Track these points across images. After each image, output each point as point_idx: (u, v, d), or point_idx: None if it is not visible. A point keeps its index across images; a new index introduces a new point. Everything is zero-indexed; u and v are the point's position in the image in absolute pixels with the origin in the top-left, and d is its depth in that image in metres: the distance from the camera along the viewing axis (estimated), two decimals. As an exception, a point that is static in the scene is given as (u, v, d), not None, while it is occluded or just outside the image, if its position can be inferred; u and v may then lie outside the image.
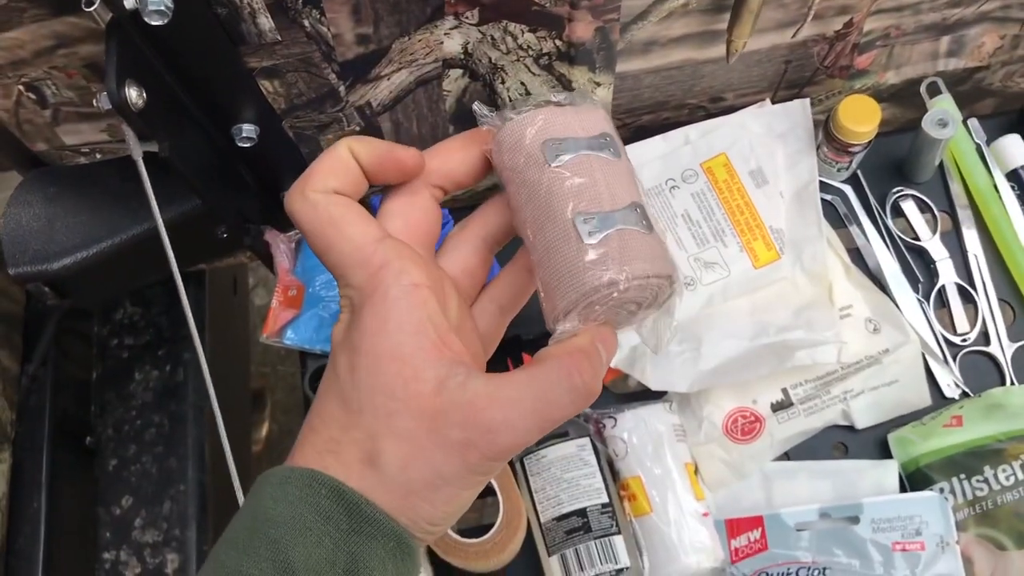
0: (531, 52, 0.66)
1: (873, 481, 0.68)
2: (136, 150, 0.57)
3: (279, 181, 0.74)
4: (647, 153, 0.74)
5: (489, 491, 0.63)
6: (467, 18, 0.62)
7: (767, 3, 0.64)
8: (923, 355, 0.70)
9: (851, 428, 0.69)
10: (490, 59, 0.67)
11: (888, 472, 0.68)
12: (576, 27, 0.64)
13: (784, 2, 0.65)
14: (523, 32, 0.64)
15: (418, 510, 0.35)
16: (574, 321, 0.35)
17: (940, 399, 0.70)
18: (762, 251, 0.70)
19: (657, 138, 0.74)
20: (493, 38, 0.65)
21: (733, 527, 0.67)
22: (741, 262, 0.69)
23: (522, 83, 0.70)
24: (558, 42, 0.66)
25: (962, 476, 0.66)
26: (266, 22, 0.57)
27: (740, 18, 0.61)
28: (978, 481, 0.66)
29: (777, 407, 0.68)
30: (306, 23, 0.58)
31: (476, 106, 0.38)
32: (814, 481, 0.68)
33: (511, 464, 0.68)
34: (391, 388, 0.34)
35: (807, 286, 0.69)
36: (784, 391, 0.68)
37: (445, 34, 0.63)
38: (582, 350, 0.35)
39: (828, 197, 0.75)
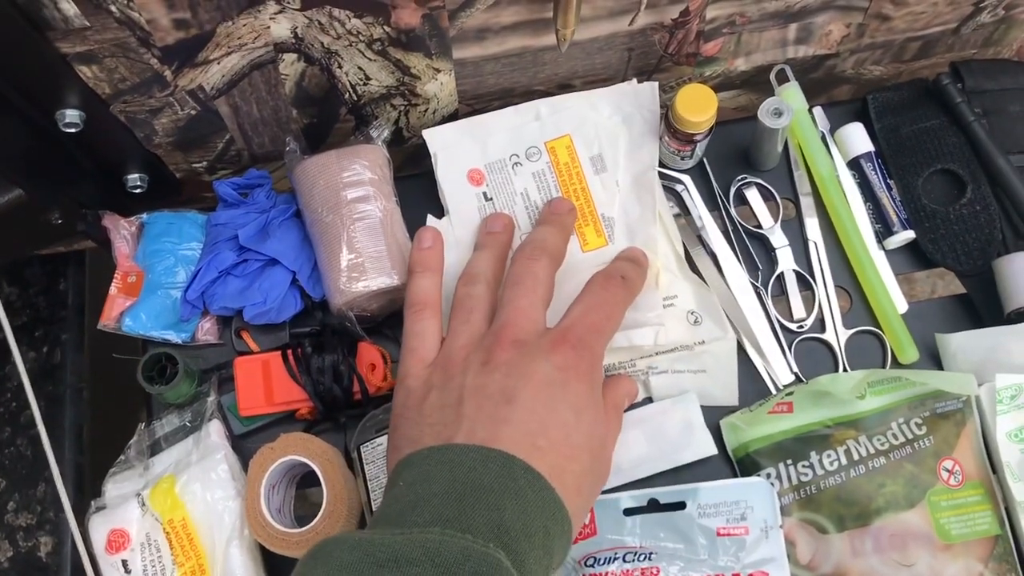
0: (362, 38, 0.66)
1: (679, 419, 0.68)
2: (-67, 137, 0.56)
3: (118, 165, 0.73)
4: (498, 124, 0.73)
5: (317, 482, 0.64)
6: (289, 3, 0.61)
7: (593, -8, 0.64)
8: (747, 353, 0.71)
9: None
10: (322, 44, 0.66)
11: (690, 406, 0.68)
12: (401, 14, 0.63)
13: (613, -10, 0.65)
14: (349, 18, 0.64)
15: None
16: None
17: (762, 391, 0.71)
18: (592, 236, 0.70)
19: (509, 109, 0.73)
20: (320, 23, 0.64)
21: (563, 513, 0.68)
22: (570, 244, 0.70)
23: (360, 68, 0.69)
24: (387, 28, 0.65)
25: (789, 461, 0.67)
26: (70, 8, 0.56)
27: (560, 8, 0.61)
28: (804, 466, 0.67)
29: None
30: (113, 8, 0.57)
31: None
32: (626, 433, 0.67)
33: (347, 453, 0.68)
34: None
35: None
36: None
37: (270, 18, 0.63)
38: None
39: (673, 186, 0.75)
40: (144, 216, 0.73)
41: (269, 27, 0.63)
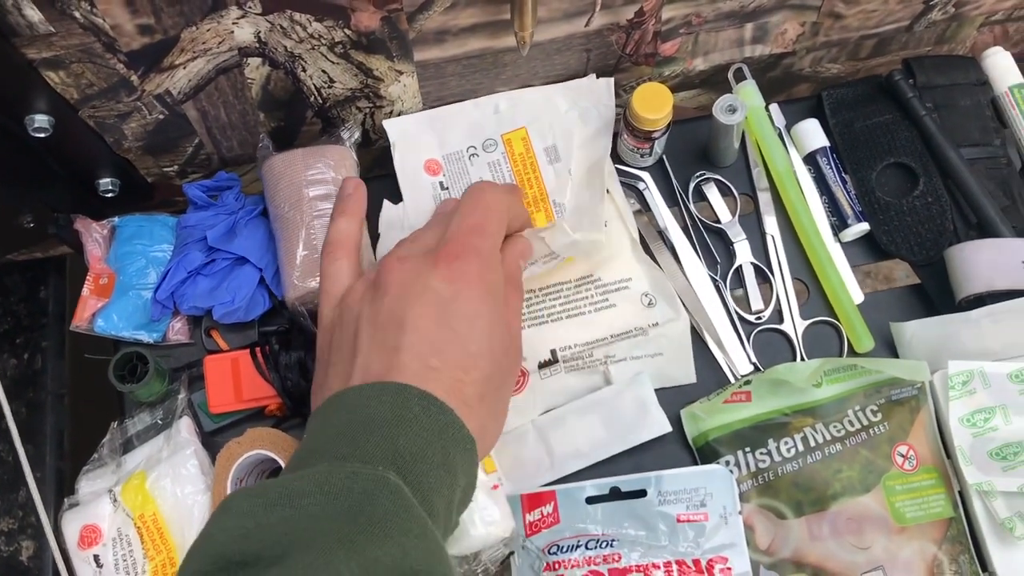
0: (324, 41, 0.67)
1: (633, 400, 0.70)
2: (-98, 142, 0.57)
3: (89, 169, 0.75)
4: (458, 117, 0.75)
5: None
6: (251, 7, 0.63)
7: (548, -7, 0.66)
8: (707, 344, 0.72)
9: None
10: (285, 48, 0.68)
11: (643, 387, 0.70)
12: (360, 17, 0.65)
13: (567, -8, 0.67)
14: (310, 22, 0.65)
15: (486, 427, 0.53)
16: None
17: (722, 381, 0.73)
18: (542, 221, 0.72)
19: (469, 103, 0.76)
20: (282, 27, 0.65)
21: (527, 502, 0.69)
22: None
23: (323, 71, 0.71)
24: (348, 31, 0.67)
25: (747, 449, 0.69)
26: (34, 14, 0.58)
27: (516, 10, 0.62)
28: (762, 453, 0.69)
29: (543, 365, 0.71)
30: (77, 15, 0.59)
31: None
32: (583, 418, 0.70)
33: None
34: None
35: (583, 258, 0.71)
36: (552, 352, 0.71)
37: (233, 23, 0.64)
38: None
39: (634, 183, 0.77)
40: (116, 219, 0.75)
41: (232, 32, 0.65)
